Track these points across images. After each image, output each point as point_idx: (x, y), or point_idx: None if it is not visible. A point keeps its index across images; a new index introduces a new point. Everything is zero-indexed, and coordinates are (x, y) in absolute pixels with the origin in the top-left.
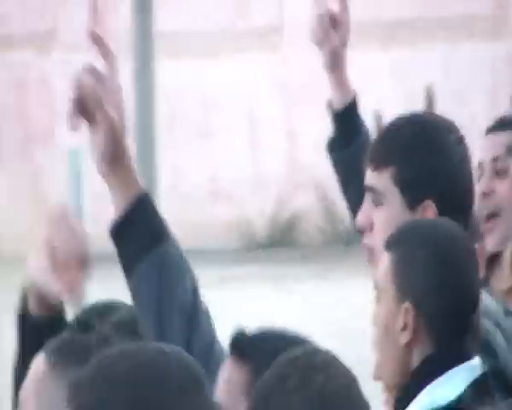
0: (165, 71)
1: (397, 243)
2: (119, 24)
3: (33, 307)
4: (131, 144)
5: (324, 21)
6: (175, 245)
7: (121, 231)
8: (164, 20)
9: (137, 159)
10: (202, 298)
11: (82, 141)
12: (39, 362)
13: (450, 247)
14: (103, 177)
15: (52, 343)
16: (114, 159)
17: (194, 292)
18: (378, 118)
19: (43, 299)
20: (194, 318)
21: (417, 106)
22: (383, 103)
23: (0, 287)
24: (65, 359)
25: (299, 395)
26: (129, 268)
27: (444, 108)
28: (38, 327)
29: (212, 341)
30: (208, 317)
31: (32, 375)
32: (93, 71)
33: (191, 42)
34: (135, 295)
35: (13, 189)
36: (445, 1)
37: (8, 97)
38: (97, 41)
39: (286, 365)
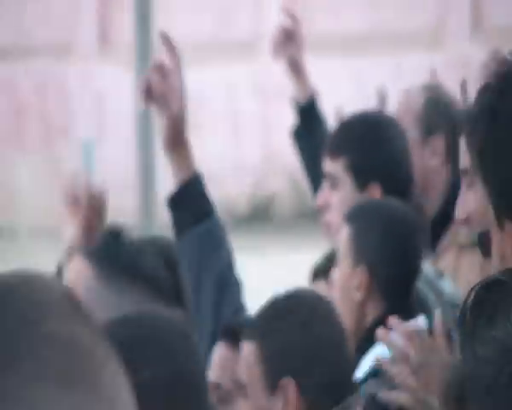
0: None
1: (355, 216)
2: (124, 38)
3: None
4: (133, 134)
5: (279, 36)
6: (218, 223)
7: (175, 203)
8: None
9: (138, 146)
10: (237, 273)
11: (94, 134)
12: (82, 266)
13: (401, 222)
14: (166, 155)
15: (94, 251)
16: (174, 144)
17: (229, 266)
18: (339, 115)
19: None
20: (225, 286)
21: (371, 105)
22: (343, 103)
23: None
24: (112, 267)
25: (298, 334)
26: (178, 233)
27: (394, 109)
28: None
29: (239, 308)
30: (239, 288)
31: (76, 276)
32: (159, 67)
33: (185, 50)
34: (181, 256)
35: (34, 176)
36: (395, 16)
37: (32, 99)
38: (166, 42)
39: (293, 301)
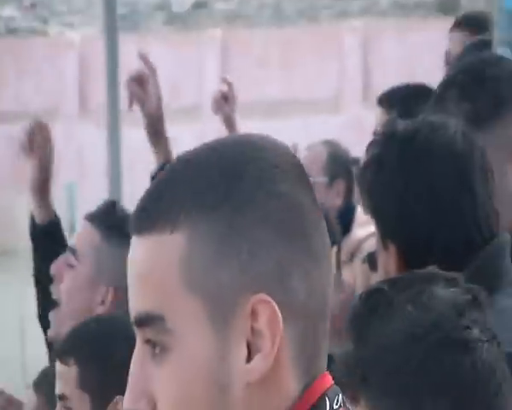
0: (128, 134)
1: None
2: (99, 103)
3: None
4: (106, 178)
5: (218, 98)
6: None
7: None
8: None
9: (109, 189)
10: None
11: (75, 179)
12: (90, 230)
13: None
14: (149, 143)
15: (98, 217)
16: (154, 135)
17: None
18: None
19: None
20: None
21: None
22: None
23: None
24: (119, 232)
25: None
26: None
27: (302, 160)
28: (43, 230)
29: None
30: None
31: (85, 240)
32: (137, 77)
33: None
34: None
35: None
36: (303, 86)
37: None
38: (144, 58)
39: None
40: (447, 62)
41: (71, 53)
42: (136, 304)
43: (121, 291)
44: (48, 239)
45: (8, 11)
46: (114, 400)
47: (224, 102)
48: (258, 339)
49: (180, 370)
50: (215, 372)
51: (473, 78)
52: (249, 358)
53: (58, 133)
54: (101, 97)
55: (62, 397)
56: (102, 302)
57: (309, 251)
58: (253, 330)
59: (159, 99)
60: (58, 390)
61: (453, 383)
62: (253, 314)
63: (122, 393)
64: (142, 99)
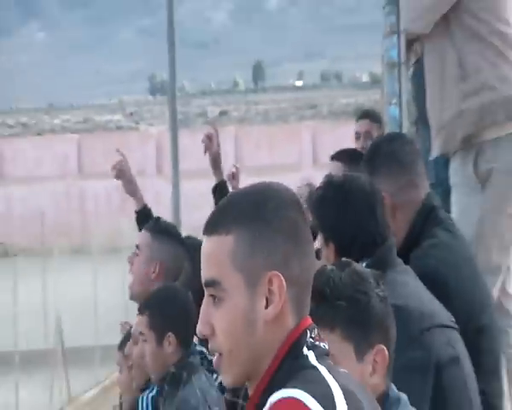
0: (185, 186)
1: None
2: (167, 167)
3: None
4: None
5: (230, 176)
6: None
7: (214, 196)
8: (184, 161)
9: (173, 221)
10: None
11: (153, 212)
12: (146, 234)
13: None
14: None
15: (151, 225)
16: (215, 166)
17: None
18: None
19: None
20: None
21: None
22: None
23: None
24: (162, 234)
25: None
26: None
27: None
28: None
29: None
30: None
31: (142, 241)
32: (208, 135)
33: (197, 174)
34: None
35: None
36: (279, 158)
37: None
38: (212, 123)
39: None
40: (356, 138)
41: (152, 140)
42: (206, 274)
43: (164, 265)
44: (142, 216)
45: (117, 117)
46: (168, 335)
47: (233, 179)
48: (272, 296)
49: (228, 312)
50: (247, 314)
51: (373, 149)
52: (266, 306)
53: (145, 186)
54: (168, 165)
55: (141, 333)
56: (154, 272)
57: (302, 248)
58: (269, 291)
59: (218, 146)
60: (136, 330)
61: (382, 321)
62: (270, 282)
63: (173, 332)
64: (209, 147)
